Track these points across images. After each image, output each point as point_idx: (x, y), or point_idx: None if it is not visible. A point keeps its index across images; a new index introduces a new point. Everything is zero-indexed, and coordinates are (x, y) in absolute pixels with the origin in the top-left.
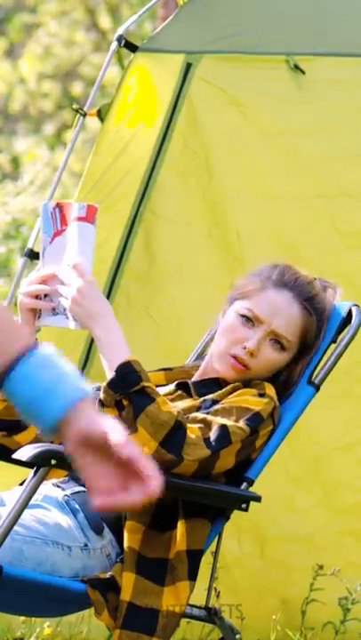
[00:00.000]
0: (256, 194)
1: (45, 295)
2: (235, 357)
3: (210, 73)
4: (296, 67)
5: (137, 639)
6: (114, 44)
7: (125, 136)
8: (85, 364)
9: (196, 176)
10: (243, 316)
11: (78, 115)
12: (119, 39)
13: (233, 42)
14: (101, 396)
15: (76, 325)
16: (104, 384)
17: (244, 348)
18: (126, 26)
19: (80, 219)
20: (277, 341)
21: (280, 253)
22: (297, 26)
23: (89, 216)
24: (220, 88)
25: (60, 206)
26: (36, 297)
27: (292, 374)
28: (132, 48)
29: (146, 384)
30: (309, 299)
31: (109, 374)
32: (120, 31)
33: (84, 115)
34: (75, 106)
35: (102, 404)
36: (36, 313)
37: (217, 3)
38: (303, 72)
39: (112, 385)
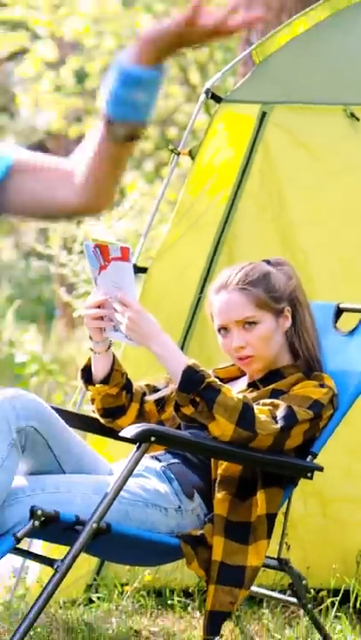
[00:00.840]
0: (320, 219)
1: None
2: (239, 359)
3: (281, 120)
4: (352, 114)
5: (230, 592)
6: (202, 96)
7: (212, 171)
8: (183, 343)
9: (271, 205)
10: (218, 332)
11: (173, 154)
12: (207, 92)
13: (299, 94)
14: (177, 398)
15: (133, 344)
16: (176, 389)
17: (235, 349)
18: (212, 81)
19: (116, 259)
20: (246, 323)
21: (341, 271)
22: (352, 81)
23: (124, 256)
24: (290, 132)
25: (99, 247)
26: (99, 318)
27: (302, 331)
28: (218, 99)
29: (209, 380)
30: (240, 281)
31: (176, 381)
32: (207, 85)
33: (178, 154)
34: (170, 146)
35: (179, 405)
36: (101, 329)
37: (286, 62)
38: (358, 119)
39: (182, 388)
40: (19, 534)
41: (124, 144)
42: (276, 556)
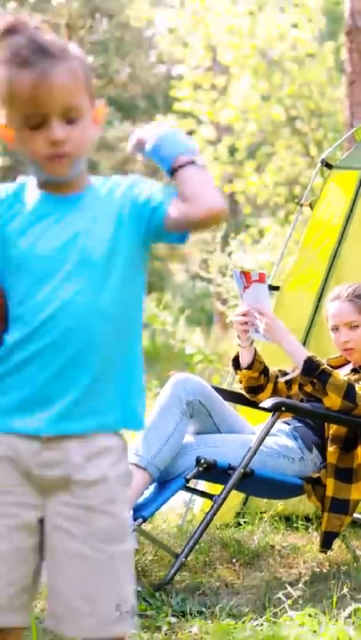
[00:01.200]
0: None
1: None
2: (344, 350)
3: None
4: None
5: (338, 518)
6: (319, 164)
7: (326, 218)
8: (305, 340)
9: None
10: (331, 330)
11: (298, 205)
12: (322, 161)
13: None
14: (300, 380)
15: (269, 342)
16: (299, 374)
17: (342, 343)
18: (326, 153)
19: (256, 281)
20: (352, 325)
21: None
22: None
23: (261, 279)
24: None
25: (243, 272)
26: (244, 323)
27: None
28: (330, 166)
29: (323, 367)
30: (349, 294)
31: (300, 367)
32: (322, 156)
33: (302, 205)
34: (296, 200)
35: (301, 385)
36: (246, 331)
37: None
38: None
39: (304, 373)
40: (187, 477)
41: (191, 167)
42: None
